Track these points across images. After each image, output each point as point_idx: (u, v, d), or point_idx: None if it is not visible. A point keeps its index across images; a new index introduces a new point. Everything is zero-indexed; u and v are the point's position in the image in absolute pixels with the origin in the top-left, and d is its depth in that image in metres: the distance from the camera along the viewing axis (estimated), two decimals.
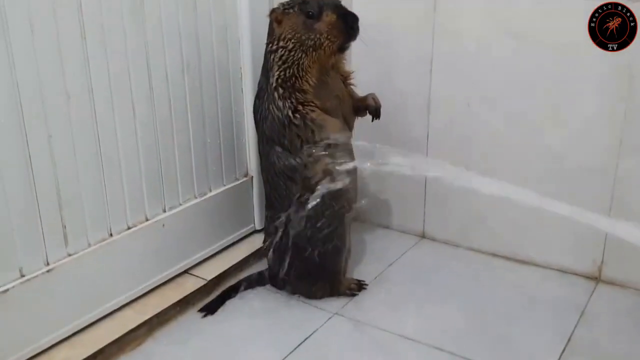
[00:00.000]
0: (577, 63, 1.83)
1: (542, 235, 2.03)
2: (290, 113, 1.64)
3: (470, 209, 2.14)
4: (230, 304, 1.87)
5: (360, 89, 1.87)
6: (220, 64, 1.93)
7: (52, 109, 1.47)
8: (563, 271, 2.02)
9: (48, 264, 1.54)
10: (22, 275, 1.49)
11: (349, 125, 1.81)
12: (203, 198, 1.95)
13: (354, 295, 1.89)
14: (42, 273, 1.52)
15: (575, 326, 1.75)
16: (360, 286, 1.92)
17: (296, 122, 1.64)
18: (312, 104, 1.66)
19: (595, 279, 1.97)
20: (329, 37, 1.62)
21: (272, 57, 1.67)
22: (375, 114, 1.82)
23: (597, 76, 1.81)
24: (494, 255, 2.14)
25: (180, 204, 1.88)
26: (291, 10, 1.64)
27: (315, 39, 1.62)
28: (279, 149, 1.70)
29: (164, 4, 1.71)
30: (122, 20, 1.60)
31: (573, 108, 1.87)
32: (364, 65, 2.13)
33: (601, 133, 1.85)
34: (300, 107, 1.65)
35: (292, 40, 1.63)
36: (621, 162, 1.84)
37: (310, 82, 1.66)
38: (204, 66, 1.87)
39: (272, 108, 1.66)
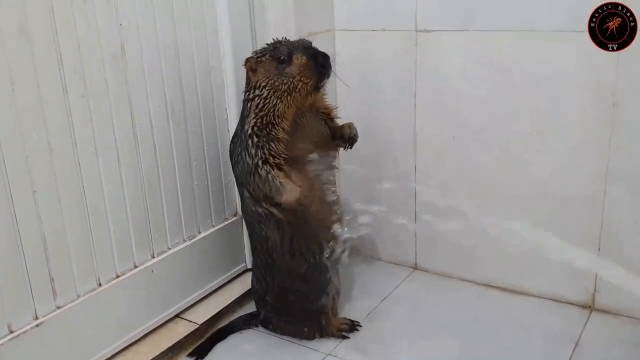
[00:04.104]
0: (560, 92, 1.83)
1: (535, 264, 2.02)
2: (260, 163, 1.65)
3: (462, 240, 2.14)
4: (220, 347, 1.85)
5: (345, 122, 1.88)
6: (205, 106, 1.94)
7: (36, 164, 1.48)
8: (556, 300, 2.01)
9: (37, 318, 1.54)
10: (11, 332, 1.48)
11: (329, 163, 1.80)
12: (192, 241, 1.95)
13: (344, 337, 1.87)
14: (32, 328, 1.51)
15: (570, 357, 1.74)
16: (353, 327, 1.90)
17: (261, 172, 1.65)
18: (283, 156, 1.66)
19: (589, 307, 1.96)
20: (301, 79, 1.63)
21: (249, 105, 1.68)
22: (349, 141, 1.80)
23: (580, 104, 1.82)
24: (487, 285, 2.13)
25: (169, 249, 1.88)
26: (263, 58, 1.66)
27: (289, 83, 1.63)
28: (247, 194, 1.72)
29: (146, 52, 1.72)
30: (104, 71, 1.61)
31: (558, 137, 1.88)
32: (348, 101, 2.14)
33: (587, 161, 1.85)
34: (270, 159, 1.65)
35: (267, 88, 1.64)
36: (609, 189, 1.84)
37: (286, 128, 1.66)
38: (188, 110, 1.88)
39: (244, 154, 1.67)
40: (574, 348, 1.78)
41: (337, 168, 1.87)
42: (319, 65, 1.64)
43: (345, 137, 1.80)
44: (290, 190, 1.65)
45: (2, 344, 1.45)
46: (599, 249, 1.89)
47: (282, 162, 1.66)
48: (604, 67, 1.74)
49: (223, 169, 2.04)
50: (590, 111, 1.81)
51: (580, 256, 1.93)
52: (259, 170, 1.65)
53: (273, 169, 1.65)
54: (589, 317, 1.93)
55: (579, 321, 1.91)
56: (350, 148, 1.82)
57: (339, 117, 1.84)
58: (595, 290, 1.94)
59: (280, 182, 1.64)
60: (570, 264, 1.96)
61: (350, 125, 1.81)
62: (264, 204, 1.69)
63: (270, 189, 1.65)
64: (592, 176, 1.85)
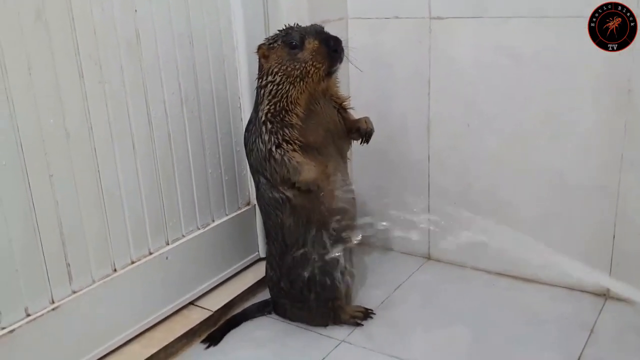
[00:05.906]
0: (574, 79, 1.83)
1: (548, 253, 2.01)
2: (273, 148, 1.65)
3: (475, 229, 2.13)
4: (234, 334, 1.86)
5: (359, 112, 1.88)
6: (218, 95, 1.95)
7: (53, 149, 1.49)
8: (571, 288, 2.00)
9: (53, 302, 1.55)
10: (28, 315, 1.50)
11: (341, 152, 1.81)
12: (206, 229, 1.96)
13: (358, 324, 1.87)
14: (48, 311, 1.53)
15: (585, 345, 1.73)
16: (367, 315, 1.90)
17: (276, 156, 1.65)
18: (297, 142, 1.66)
19: (604, 295, 1.95)
20: (314, 63, 1.63)
21: (262, 91, 1.69)
22: (365, 136, 1.81)
23: (594, 91, 1.81)
24: (500, 274, 2.12)
25: (184, 236, 1.89)
26: (275, 44, 1.66)
27: (301, 68, 1.63)
28: (264, 180, 1.72)
29: (160, 40, 1.73)
30: (119, 58, 1.62)
31: (572, 124, 1.87)
32: (362, 89, 2.14)
33: (602, 148, 1.84)
34: (284, 144, 1.65)
35: (279, 74, 1.64)
36: (623, 176, 1.83)
37: (299, 115, 1.66)
38: (202, 98, 1.89)
39: (258, 141, 1.68)
40: (589, 336, 1.77)
41: (349, 159, 1.86)
42: (331, 49, 1.64)
43: (361, 131, 1.80)
44: (307, 170, 1.66)
45: (19, 327, 1.46)
46: (613, 236, 1.88)
47: (297, 148, 1.66)
48: (620, 53, 1.73)
49: (236, 158, 2.05)
50: (604, 98, 1.80)
51: (595, 244, 1.92)
52: (274, 154, 1.65)
53: (288, 151, 1.65)
54: (603, 305, 1.92)
55: (594, 309, 1.90)
56: (367, 143, 1.82)
57: (352, 108, 1.84)
58: (610, 277, 1.93)
59: (297, 162, 1.65)
60: (584, 252, 1.95)
61: (366, 120, 1.81)
62: (280, 188, 1.69)
63: (287, 170, 1.65)
64: (607, 163, 1.84)
